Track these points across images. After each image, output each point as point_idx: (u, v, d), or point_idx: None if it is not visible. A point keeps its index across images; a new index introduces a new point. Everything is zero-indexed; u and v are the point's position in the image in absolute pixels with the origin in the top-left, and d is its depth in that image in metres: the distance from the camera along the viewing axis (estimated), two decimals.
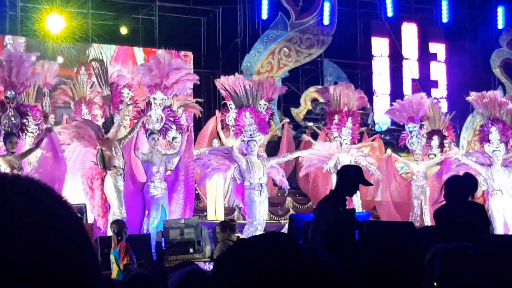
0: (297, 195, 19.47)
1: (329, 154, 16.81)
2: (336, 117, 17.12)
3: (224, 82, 16.70)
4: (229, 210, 16.94)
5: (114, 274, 10.52)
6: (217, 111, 19.03)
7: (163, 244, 12.94)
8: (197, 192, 17.73)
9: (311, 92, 24.65)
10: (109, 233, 12.16)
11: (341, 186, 7.19)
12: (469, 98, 17.49)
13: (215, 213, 16.57)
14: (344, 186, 7.17)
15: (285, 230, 15.34)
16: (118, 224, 11.26)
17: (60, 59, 20.66)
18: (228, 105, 17.26)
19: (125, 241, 10.86)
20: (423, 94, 18.38)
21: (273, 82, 17.31)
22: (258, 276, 1.71)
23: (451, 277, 3.05)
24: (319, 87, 24.15)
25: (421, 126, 17.69)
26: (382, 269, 3.65)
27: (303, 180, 18.45)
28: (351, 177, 7.21)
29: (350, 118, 17.02)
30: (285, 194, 18.29)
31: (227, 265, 1.76)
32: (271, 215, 17.26)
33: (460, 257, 2.86)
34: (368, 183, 7.70)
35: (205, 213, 16.72)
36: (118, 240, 10.83)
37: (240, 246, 1.83)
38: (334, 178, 16.83)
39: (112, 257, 10.75)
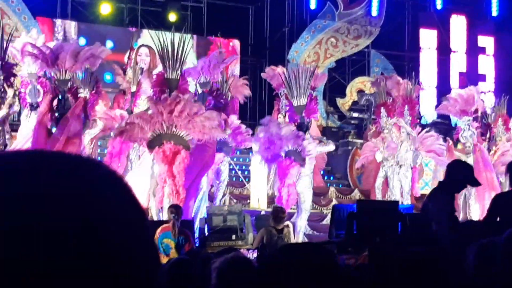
0: (340, 185, 19.46)
1: (395, 145, 16.78)
2: (382, 109, 17.09)
3: (273, 70, 16.96)
4: (272, 199, 17.01)
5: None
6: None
7: (206, 230, 13.06)
8: (241, 179, 17.84)
9: (357, 83, 24.60)
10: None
11: (450, 181, 7.04)
12: None
13: (258, 202, 16.66)
14: (453, 182, 7.01)
15: (327, 220, 15.37)
16: (177, 210, 10.73)
17: (109, 43, 20.89)
18: (279, 94, 17.20)
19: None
20: (472, 87, 18.27)
21: (313, 70, 17.02)
22: (295, 279, 2.09)
23: (485, 273, 3.09)
24: (366, 78, 24.10)
25: (475, 119, 17.55)
26: (422, 263, 3.70)
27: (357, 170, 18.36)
28: (461, 175, 7.02)
29: (406, 106, 17.02)
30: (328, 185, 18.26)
31: (272, 265, 2.10)
32: (314, 205, 17.25)
33: (493, 252, 2.89)
34: (477, 183, 7.29)
35: (248, 201, 16.81)
36: (179, 228, 10.35)
37: (285, 250, 2.24)
38: (382, 171, 16.87)
39: (171, 242, 10.24)
